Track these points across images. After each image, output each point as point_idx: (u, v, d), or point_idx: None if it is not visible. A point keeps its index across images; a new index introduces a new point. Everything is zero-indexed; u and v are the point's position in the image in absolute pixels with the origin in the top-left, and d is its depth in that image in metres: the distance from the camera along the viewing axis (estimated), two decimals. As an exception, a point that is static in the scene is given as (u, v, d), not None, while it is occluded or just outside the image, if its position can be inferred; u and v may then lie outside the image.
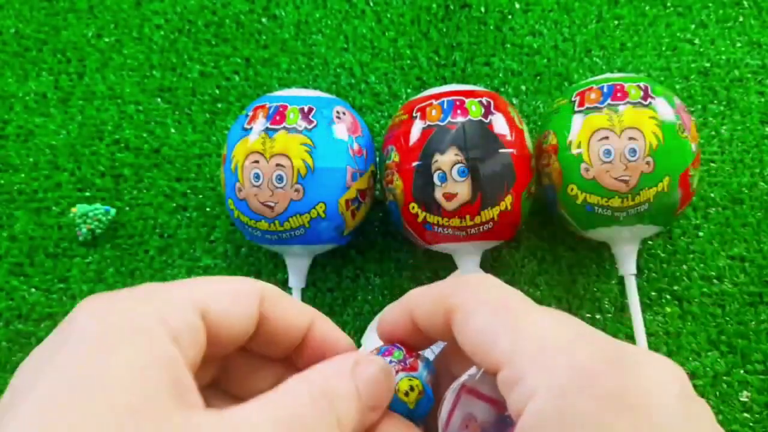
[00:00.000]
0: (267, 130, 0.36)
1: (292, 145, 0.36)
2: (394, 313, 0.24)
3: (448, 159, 0.35)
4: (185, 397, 0.18)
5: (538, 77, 0.47)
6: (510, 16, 0.49)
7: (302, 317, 0.24)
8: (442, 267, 0.43)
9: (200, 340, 0.20)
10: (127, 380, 0.17)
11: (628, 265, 0.39)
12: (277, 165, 0.35)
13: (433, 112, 0.37)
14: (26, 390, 0.17)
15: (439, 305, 0.22)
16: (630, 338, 0.40)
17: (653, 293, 0.42)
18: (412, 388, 0.26)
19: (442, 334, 0.22)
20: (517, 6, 0.49)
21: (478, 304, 0.21)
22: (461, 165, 0.35)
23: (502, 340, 0.19)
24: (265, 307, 0.22)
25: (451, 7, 0.49)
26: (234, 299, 0.21)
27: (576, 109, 0.37)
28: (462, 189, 0.35)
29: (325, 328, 0.24)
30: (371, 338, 0.39)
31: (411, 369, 0.27)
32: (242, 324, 0.22)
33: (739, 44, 0.47)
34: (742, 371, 0.40)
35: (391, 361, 0.26)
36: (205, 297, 0.20)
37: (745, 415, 0.40)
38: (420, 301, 0.23)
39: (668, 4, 0.49)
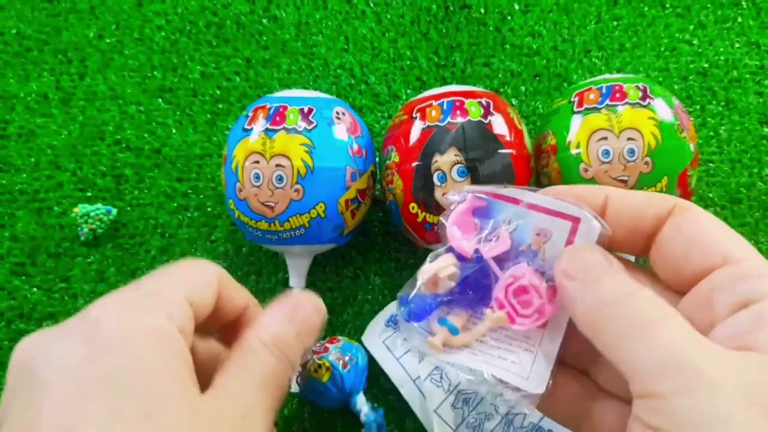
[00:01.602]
0: (267, 130, 0.36)
1: (292, 146, 0.36)
2: (586, 188, 0.26)
3: (447, 159, 0.35)
4: (193, 380, 0.22)
5: (538, 78, 0.48)
6: (509, 17, 0.49)
7: (244, 297, 0.28)
8: (442, 267, 0.43)
9: (192, 325, 0.24)
10: (151, 378, 0.21)
11: (626, 265, 0.39)
12: (277, 165, 0.36)
13: (433, 112, 0.37)
14: (46, 391, 0.20)
15: (660, 201, 0.24)
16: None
17: (652, 293, 0.42)
18: (320, 366, 0.35)
19: (629, 224, 0.24)
20: (517, 7, 0.49)
21: (706, 212, 0.23)
22: (461, 165, 0.35)
23: (738, 242, 0.22)
24: (221, 287, 0.26)
25: (451, 8, 0.50)
26: (206, 285, 0.26)
27: (575, 109, 0.37)
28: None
29: (256, 309, 0.29)
30: (372, 337, 0.39)
31: (321, 352, 0.36)
32: (210, 304, 0.26)
33: (737, 45, 0.48)
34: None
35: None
36: (191, 289, 0.24)
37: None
38: (625, 193, 0.25)
39: (667, 5, 0.49)
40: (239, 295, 0.28)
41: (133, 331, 0.21)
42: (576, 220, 0.24)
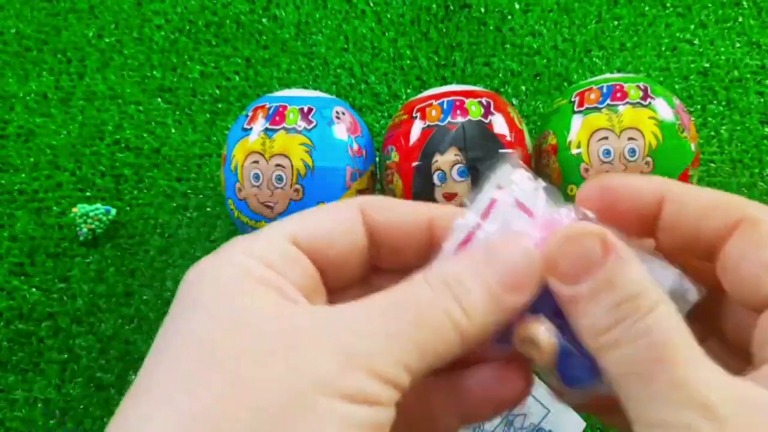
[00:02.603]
0: (266, 130, 0.36)
1: (292, 146, 0.36)
2: (639, 180, 0.21)
3: (448, 159, 0.35)
4: (284, 296, 0.18)
5: (538, 77, 0.48)
6: (510, 17, 0.49)
7: (416, 216, 0.21)
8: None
9: (301, 261, 0.20)
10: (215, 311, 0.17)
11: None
12: (277, 165, 0.35)
13: (433, 112, 0.37)
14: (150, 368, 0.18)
15: (726, 208, 0.19)
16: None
17: (653, 293, 0.42)
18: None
19: (687, 233, 0.20)
20: (517, 6, 0.49)
21: None
22: (461, 165, 0.35)
23: None
24: (369, 216, 0.21)
25: (451, 8, 0.49)
26: (324, 218, 0.21)
27: (575, 109, 0.37)
28: (462, 189, 0.35)
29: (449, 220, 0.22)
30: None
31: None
32: (344, 238, 0.21)
33: (738, 44, 0.48)
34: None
35: None
36: (294, 225, 0.20)
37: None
38: (685, 196, 0.20)
39: (668, 5, 0.49)
40: (409, 211, 0.21)
41: (203, 275, 0.18)
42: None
